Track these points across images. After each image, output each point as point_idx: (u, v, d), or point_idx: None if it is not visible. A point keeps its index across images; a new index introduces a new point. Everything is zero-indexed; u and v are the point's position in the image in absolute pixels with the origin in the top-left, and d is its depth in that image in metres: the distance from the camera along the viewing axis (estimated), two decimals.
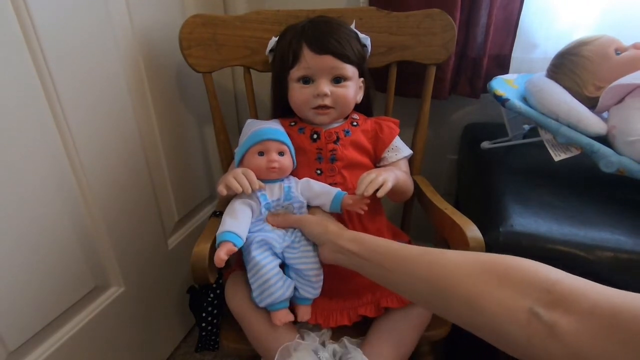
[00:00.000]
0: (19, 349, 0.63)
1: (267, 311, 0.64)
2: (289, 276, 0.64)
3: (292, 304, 0.65)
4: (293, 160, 0.71)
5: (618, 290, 0.30)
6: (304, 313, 0.65)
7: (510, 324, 0.33)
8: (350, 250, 0.55)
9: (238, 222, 0.62)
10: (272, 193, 0.68)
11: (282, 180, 0.69)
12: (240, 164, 0.70)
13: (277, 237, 0.65)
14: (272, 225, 0.66)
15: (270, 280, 0.61)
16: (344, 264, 0.57)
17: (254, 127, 0.70)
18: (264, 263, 0.62)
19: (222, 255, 0.57)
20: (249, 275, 0.63)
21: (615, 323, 0.27)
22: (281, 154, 0.69)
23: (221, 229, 0.61)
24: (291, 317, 0.63)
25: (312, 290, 0.65)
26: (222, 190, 0.64)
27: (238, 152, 0.71)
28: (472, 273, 0.39)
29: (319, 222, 0.63)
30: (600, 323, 0.28)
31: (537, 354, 0.32)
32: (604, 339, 0.28)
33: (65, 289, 0.69)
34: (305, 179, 0.70)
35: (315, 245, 0.65)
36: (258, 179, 0.65)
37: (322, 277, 0.65)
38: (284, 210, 0.68)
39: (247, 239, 0.63)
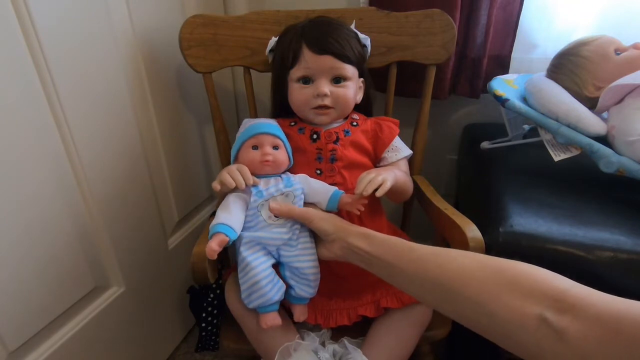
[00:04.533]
0: (19, 349, 0.63)
1: None
2: (284, 275, 0.63)
3: (289, 304, 0.65)
4: (289, 156, 0.70)
5: (622, 299, 0.32)
6: (300, 313, 0.65)
7: (520, 328, 0.35)
8: (361, 247, 0.55)
9: (231, 215, 0.61)
10: (267, 187, 0.67)
11: (279, 175, 0.69)
12: (236, 160, 0.70)
13: (273, 235, 0.63)
14: (275, 213, 0.63)
15: (260, 282, 0.60)
16: (352, 261, 0.57)
17: (248, 124, 0.70)
18: (255, 264, 0.60)
19: (213, 246, 0.56)
20: (239, 275, 0.62)
21: (619, 329, 0.29)
22: (275, 148, 0.68)
23: (214, 222, 0.61)
24: (279, 321, 0.61)
25: (309, 289, 0.64)
26: (215, 186, 0.64)
27: (233, 148, 0.71)
28: (482, 277, 0.40)
29: (326, 218, 0.63)
30: (605, 329, 0.30)
31: (546, 358, 0.34)
32: (609, 343, 0.29)
33: (65, 289, 0.69)
34: (303, 175, 0.69)
35: (314, 243, 0.64)
36: (253, 174, 0.65)
37: (319, 275, 0.64)
38: (283, 198, 0.65)
39: (239, 237, 0.62)
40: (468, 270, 0.42)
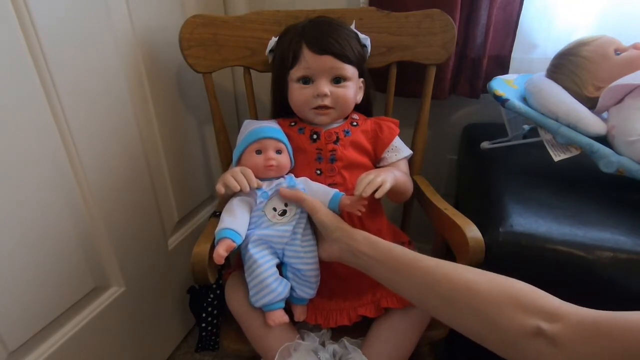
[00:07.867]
0: (19, 349, 0.63)
1: None
2: (285, 276, 0.64)
3: (288, 304, 0.65)
4: (291, 158, 0.71)
5: (600, 311, 0.39)
6: (300, 313, 0.66)
7: (521, 337, 0.41)
8: (364, 252, 0.56)
9: (236, 220, 0.62)
10: (270, 187, 0.67)
11: (283, 177, 0.69)
12: (238, 163, 0.70)
13: (278, 233, 0.64)
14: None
15: (267, 279, 0.61)
16: (350, 263, 0.58)
17: (251, 127, 0.70)
18: (261, 262, 0.61)
19: (221, 251, 0.57)
20: (246, 274, 0.63)
21: (597, 332, 0.37)
22: (279, 152, 0.69)
23: (219, 226, 0.61)
24: (286, 319, 0.62)
25: (309, 290, 0.65)
26: (220, 188, 0.64)
27: (236, 151, 0.71)
28: (488, 291, 0.44)
29: (331, 215, 0.63)
30: (588, 330, 0.37)
31: None
32: (591, 344, 0.37)
33: (65, 289, 0.69)
34: (303, 178, 0.70)
35: (316, 246, 0.65)
36: (256, 177, 0.65)
37: (319, 277, 0.65)
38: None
39: (245, 237, 0.63)
40: (474, 283, 0.46)
